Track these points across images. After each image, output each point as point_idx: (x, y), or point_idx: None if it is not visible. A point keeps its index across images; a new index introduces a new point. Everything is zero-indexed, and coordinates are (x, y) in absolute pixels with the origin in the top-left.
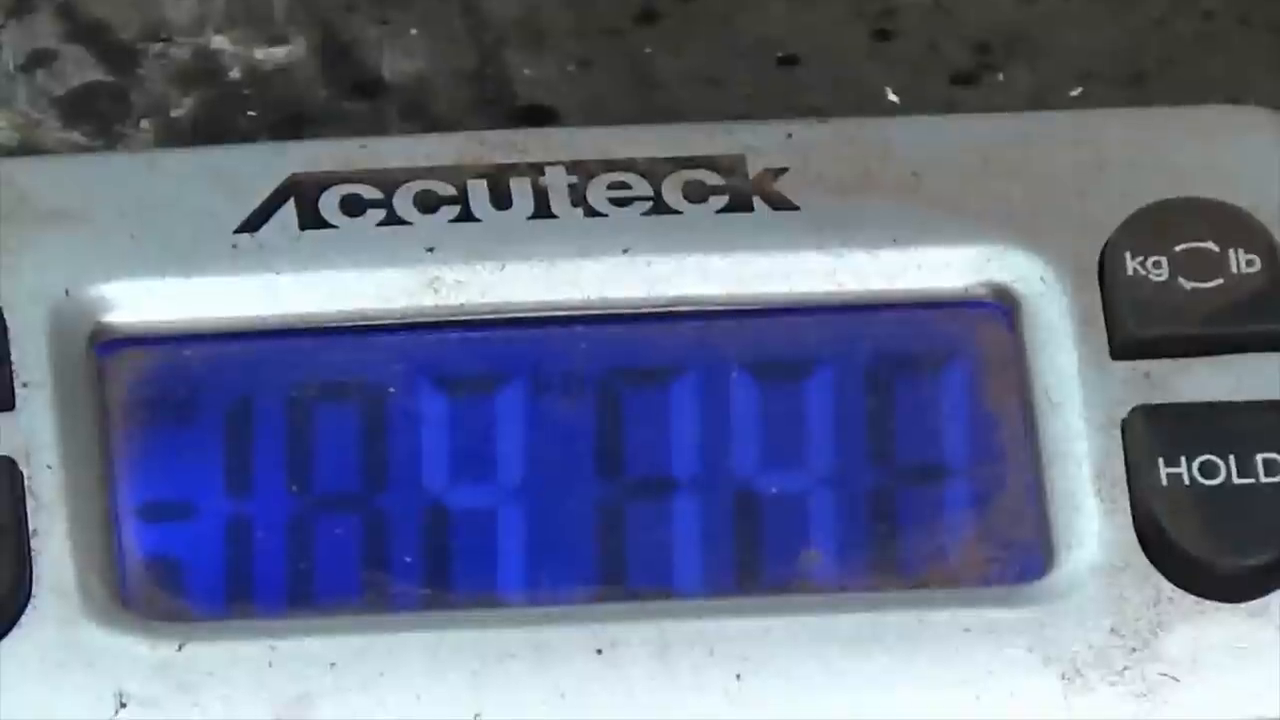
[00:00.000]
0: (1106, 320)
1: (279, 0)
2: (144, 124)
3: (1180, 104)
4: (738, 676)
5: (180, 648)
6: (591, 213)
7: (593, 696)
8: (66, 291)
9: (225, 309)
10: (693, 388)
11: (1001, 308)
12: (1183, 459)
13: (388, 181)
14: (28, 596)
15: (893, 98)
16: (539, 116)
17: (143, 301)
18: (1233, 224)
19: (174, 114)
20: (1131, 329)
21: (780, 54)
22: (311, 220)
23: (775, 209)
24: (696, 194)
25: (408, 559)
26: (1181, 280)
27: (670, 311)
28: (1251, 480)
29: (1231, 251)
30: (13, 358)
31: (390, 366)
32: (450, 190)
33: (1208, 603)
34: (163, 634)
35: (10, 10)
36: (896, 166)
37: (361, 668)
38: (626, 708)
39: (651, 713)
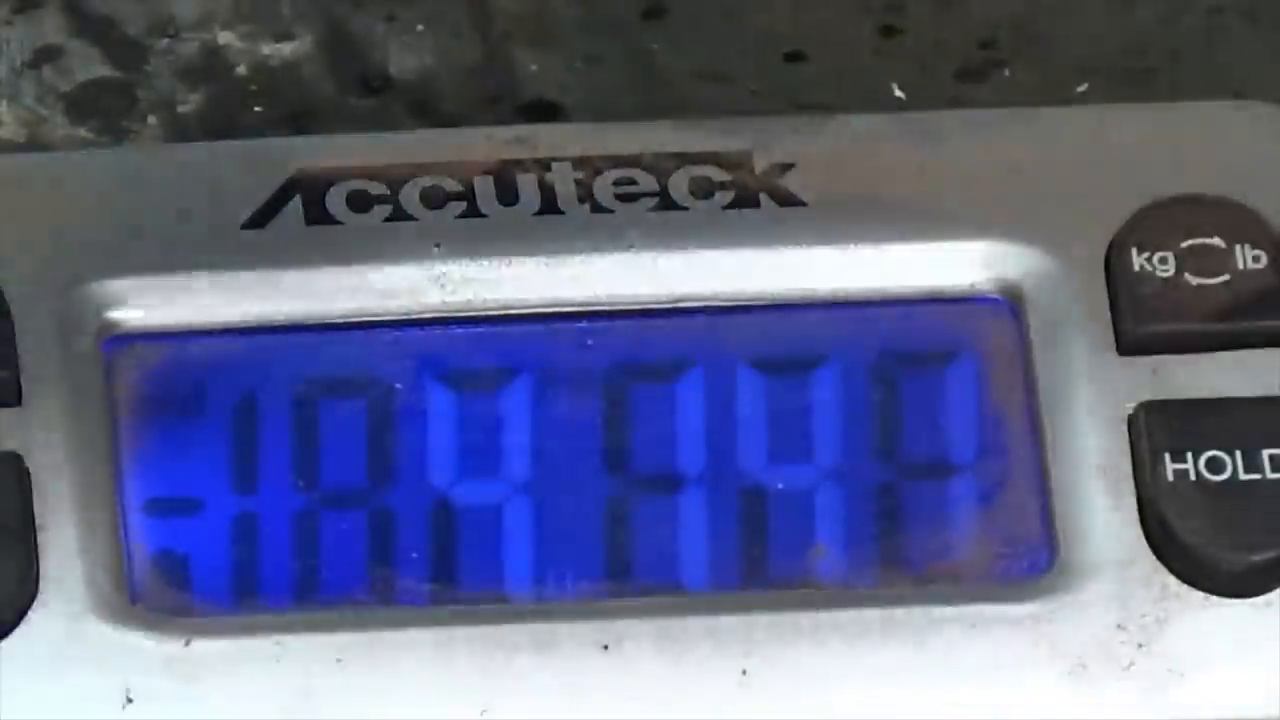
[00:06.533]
0: (1113, 316)
1: None
2: (150, 120)
3: (1187, 100)
4: (744, 672)
5: (187, 643)
6: (598, 209)
7: (599, 692)
8: (73, 287)
9: (232, 305)
10: (699, 384)
11: (1008, 303)
12: (1189, 454)
13: (394, 177)
14: (34, 592)
15: (899, 93)
16: (545, 112)
17: (149, 297)
18: (1239, 220)
19: (180, 110)
20: (1138, 324)
21: (787, 50)
22: (318, 216)
23: (782, 205)
24: (703, 190)
25: (414, 555)
26: (1188, 276)
27: (676, 307)
28: (1258, 476)
29: (1238, 247)
30: (19, 353)
31: (396, 362)
32: (456, 186)
33: (1214, 598)
34: (170, 630)
35: (17, 6)
36: (903, 162)
37: (368, 664)
38: (633, 703)
39: (658, 708)
